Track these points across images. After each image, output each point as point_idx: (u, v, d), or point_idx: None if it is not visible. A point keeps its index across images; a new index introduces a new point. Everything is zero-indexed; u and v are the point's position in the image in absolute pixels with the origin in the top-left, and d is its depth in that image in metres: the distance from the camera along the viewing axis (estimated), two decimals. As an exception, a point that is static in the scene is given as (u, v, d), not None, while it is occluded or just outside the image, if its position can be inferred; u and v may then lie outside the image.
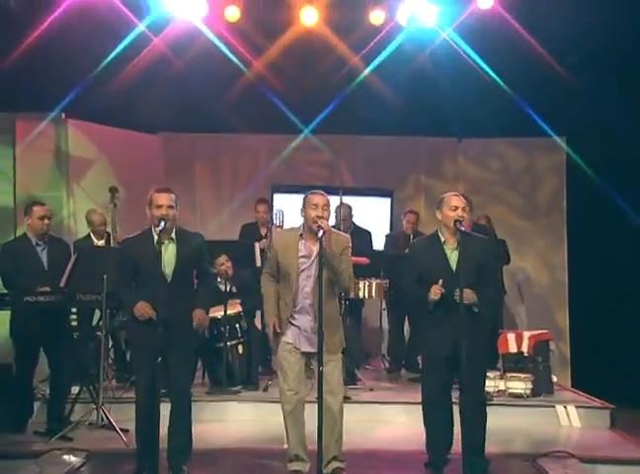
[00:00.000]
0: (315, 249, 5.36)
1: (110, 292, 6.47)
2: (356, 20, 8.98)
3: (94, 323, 7.77)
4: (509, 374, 7.59)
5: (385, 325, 8.77)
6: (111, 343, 8.14)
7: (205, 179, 10.09)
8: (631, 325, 9.27)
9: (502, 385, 7.54)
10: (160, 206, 5.36)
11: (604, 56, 8.84)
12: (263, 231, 8.59)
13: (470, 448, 5.30)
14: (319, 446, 5.04)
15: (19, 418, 6.75)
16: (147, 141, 9.88)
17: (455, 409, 5.53)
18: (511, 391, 7.51)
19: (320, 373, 5.18)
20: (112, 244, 7.91)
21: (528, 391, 7.48)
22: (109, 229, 8.15)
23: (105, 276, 6.46)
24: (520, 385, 7.48)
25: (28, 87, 8.44)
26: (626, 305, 9.24)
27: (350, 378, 7.60)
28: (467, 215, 5.79)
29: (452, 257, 5.52)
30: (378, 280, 7.87)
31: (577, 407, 7.30)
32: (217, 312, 7.69)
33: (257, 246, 8.15)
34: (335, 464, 5.48)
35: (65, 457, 5.96)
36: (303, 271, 5.47)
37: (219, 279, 7.81)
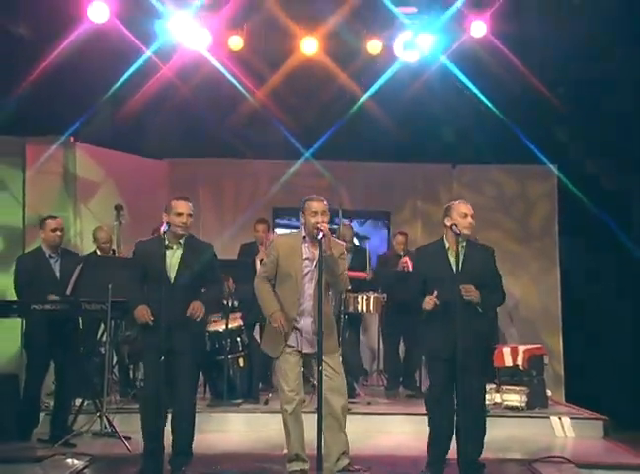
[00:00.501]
0: (317, 253, 5.32)
1: (114, 301, 6.47)
2: (354, 49, 9.02)
3: (98, 336, 7.66)
4: (504, 387, 7.53)
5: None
6: (115, 359, 8.07)
7: (209, 202, 10.07)
8: (624, 346, 9.18)
9: (498, 398, 7.49)
10: (180, 214, 5.44)
11: (594, 85, 8.89)
12: (261, 250, 8.55)
13: (466, 458, 5.25)
14: (318, 440, 4.96)
15: (24, 427, 6.67)
16: (153, 166, 9.89)
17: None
18: (506, 403, 7.45)
19: (320, 373, 5.15)
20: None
21: (524, 404, 7.42)
22: (114, 246, 8.13)
23: (109, 286, 6.44)
24: (515, 398, 7.42)
25: (37, 112, 8.45)
26: (618, 326, 9.17)
27: (348, 392, 7.48)
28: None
29: (455, 263, 5.49)
30: (376, 295, 7.84)
31: (571, 418, 7.24)
32: (219, 326, 7.66)
33: (256, 260, 8.15)
34: (345, 461, 5.44)
35: (68, 461, 5.90)
36: (307, 274, 5.44)
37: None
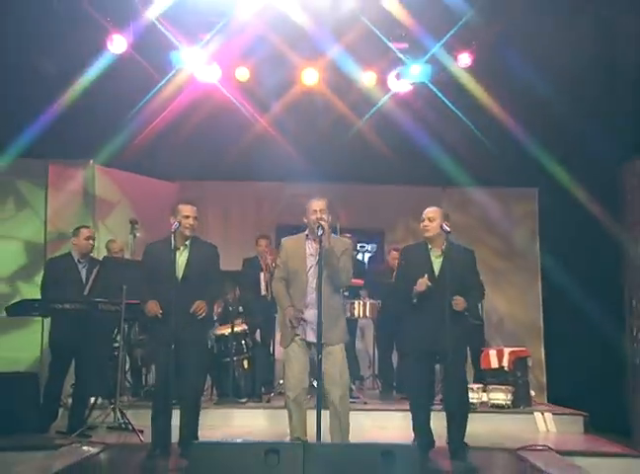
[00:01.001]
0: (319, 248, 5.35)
1: (128, 303, 6.48)
2: (351, 80, 9.13)
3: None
4: (491, 387, 7.50)
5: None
6: (128, 362, 8.03)
7: (216, 221, 10.12)
8: (601, 355, 9.13)
9: (485, 397, 7.45)
10: (187, 217, 5.56)
11: (569, 116, 8.96)
12: (263, 264, 8.57)
13: (454, 437, 5.27)
14: (318, 424, 4.94)
15: (44, 421, 6.64)
16: (165, 188, 9.93)
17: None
18: (493, 402, 7.41)
19: (319, 361, 5.15)
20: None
21: (509, 402, 7.39)
22: (127, 256, 8.14)
23: (124, 287, 6.45)
24: (501, 396, 7.39)
25: (59, 137, 8.51)
26: (596, 336, 9.12)
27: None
28: (434, 224, 5.73)
29: (437, 263, 5.56)
30: (371, 301, 7.86)
31: (553, 414, 7.22)
32: (225, 330, 7.66)
33: (262, 277, 8.22)
34: None
35: (84, 448, 5.86)
36: (311, 268, 5.47)
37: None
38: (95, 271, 6.60)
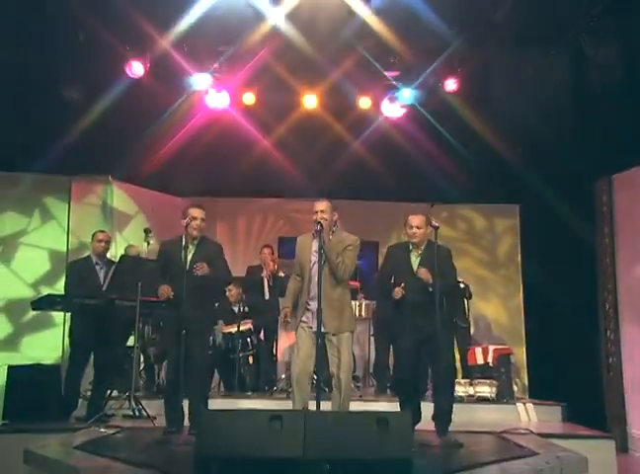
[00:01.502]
0: None
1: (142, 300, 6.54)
2: (348, 104, 9.31)
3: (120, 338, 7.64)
4: (477, 381, 7.51)
5: (373, 348, 8.68)
6: (142, 360, 8.05)
7: (224, 234, 10.16)
8: (579, 357, 9.17)
9: (471, 390, 7.45)
10: (195, 218, 5.71)
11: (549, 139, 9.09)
12: (266, 270, 8.61)
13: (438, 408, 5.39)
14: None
15: (64, 409, 6.63)
16: (177, 203, 9.98)
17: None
18: (478, 395, 7.42)
19: (318, 347, 5.22)
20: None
21: (493, 395, 7.40)
22: (142, 262, 8.20)
23: (139, 284, 6.52)
24: (486, 390, 7.40)
25: (81, 155, 8.63)
26: (574, 339, 9.17)
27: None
28: (421, 231, 5.70)
29: (416, 262, 5.61)
30: (367, 301, 7.91)
31: (534, 404, 7.24)
32: (232, 328, 7.71)
33: (264, 278, 8.28)
34: None
35: (101, 429, 5.86)
36: (314, 264, 5.52)
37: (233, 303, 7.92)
38: (113, 268, 6.66)
